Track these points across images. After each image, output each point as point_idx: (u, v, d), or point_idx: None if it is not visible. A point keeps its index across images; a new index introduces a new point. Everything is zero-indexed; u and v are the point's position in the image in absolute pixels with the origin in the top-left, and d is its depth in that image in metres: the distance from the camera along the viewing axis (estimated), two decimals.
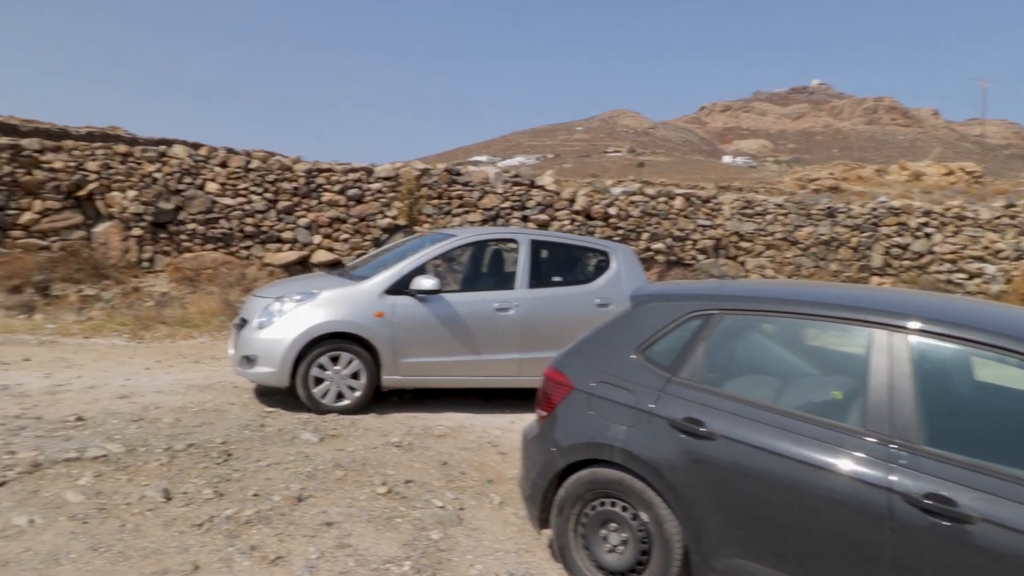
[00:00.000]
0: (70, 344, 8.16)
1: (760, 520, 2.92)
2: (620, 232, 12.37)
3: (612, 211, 12.44)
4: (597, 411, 3.44)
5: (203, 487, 4.09)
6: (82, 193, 10.06)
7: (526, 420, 6.11)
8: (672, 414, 3.20)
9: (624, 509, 3.29)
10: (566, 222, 12.09)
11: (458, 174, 11.72)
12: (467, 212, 11.54)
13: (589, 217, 12.30)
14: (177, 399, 5.98)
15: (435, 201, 11.43)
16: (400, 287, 6.01)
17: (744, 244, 13.40)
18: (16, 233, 9.81)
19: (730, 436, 3.03)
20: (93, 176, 10.12)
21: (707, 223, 13.16)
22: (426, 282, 5.98)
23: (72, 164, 10.06)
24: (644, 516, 3.21)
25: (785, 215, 13.66)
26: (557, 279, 6.74)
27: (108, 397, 5.93)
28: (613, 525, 3.34)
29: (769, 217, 13.59)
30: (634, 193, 12.92)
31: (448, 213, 11.46)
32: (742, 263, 13.31)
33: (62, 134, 19.59)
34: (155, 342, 8.58)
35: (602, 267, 6.87)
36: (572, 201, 12.24)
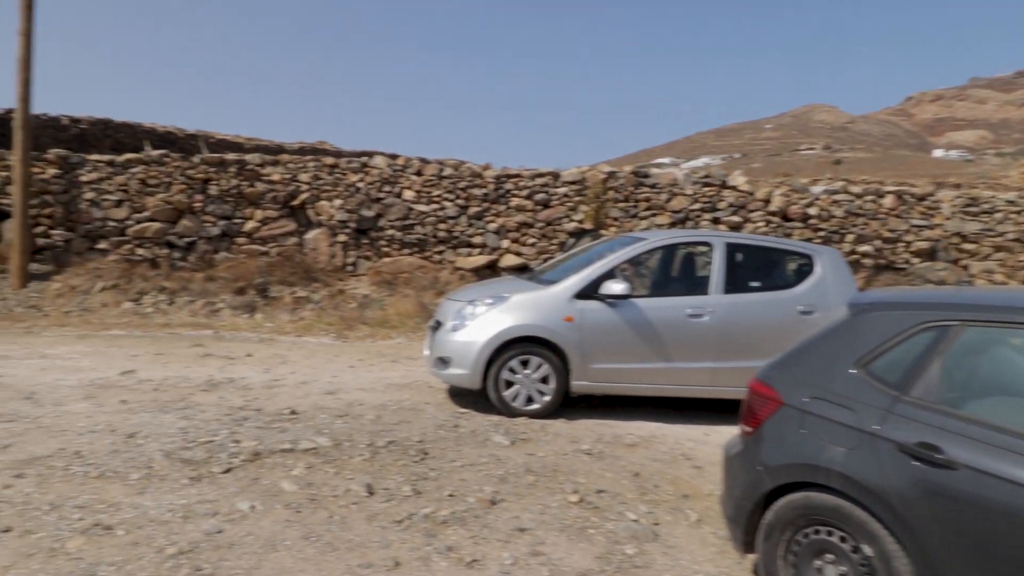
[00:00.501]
0: (285, 342, 8.88)
1: (1009, 563, 2.51)
2: (821, 234, 11.54)
3: (812, 211, 11.63)
4: (810, 429, 3.14)
5: (402, 484, 4.22)
6: (296, 203, 10.95)
7: (722, 433, 5.84)
8: (902, 437, 2.84)
9: (843, 540, 2.97)
10: (760, 224, 11.46)
11: (645, 176, 11.48)
12: (654, 215, 11.27)
13: (786, 218, 11.58)
14: (378, 397, 6.29)
15: (621, 204, 11.27)
16: (589, 291, 5.92)
17: (967, 246, 12.02)
18: (240, 240, 10.87)
19: (975, 466, 2.62)
20: (305, 187, 10.99)
21: (923, 223, 11.95)
22: (616, 286, 5.85)
23: (287, 176, 10.98)
24: (867, 550, 2.87)
25: (1018, 213, 12.10)
26: (755, 284, 6.35)
27: (317, 393, 6.34)
28: (830, 556, 3.02)
29: (998, 216, 12.10)
30: (837, 192, 12.00)
31: (635, 216, 11.26)
32: (965, 267, 11.94)
33: (278, 150, 21.54)
34: (358, 341, 9.13)
35: (804, 271, 6.39)
36: (767, 202, 11.60)
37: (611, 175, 11.35)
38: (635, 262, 6.69)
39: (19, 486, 3.94)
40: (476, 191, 11.08)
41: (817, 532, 3.07)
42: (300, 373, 7.15)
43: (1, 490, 3.88)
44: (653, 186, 11.37)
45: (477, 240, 11.08)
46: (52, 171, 10.65)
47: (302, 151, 21.74)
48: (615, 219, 11.21)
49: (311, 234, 11.02)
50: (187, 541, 3.37)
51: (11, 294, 9.88)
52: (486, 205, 11.12)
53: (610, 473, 4.67)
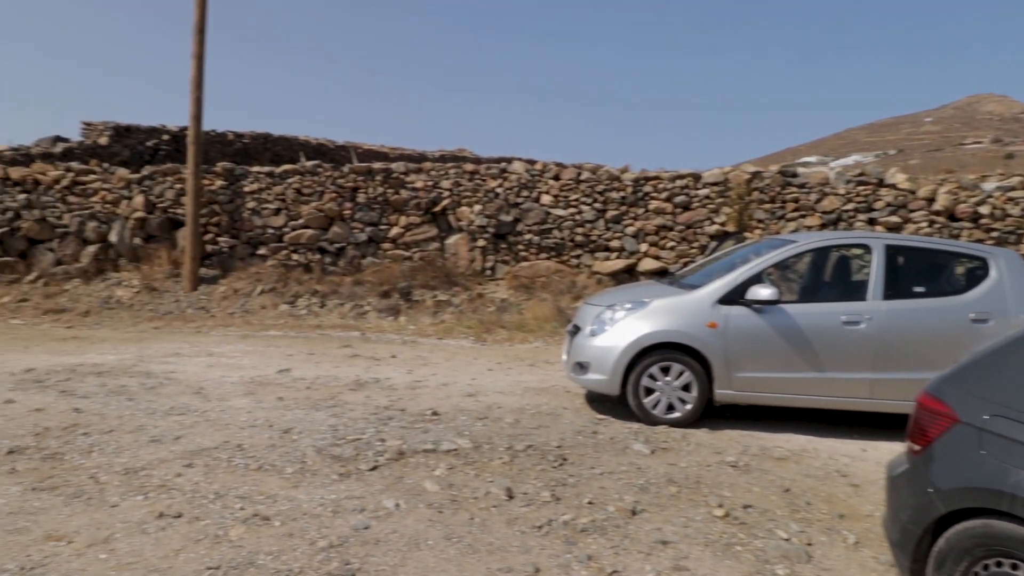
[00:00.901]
0: (426, 344, 9.14)
1: None
2: (994, 235, 10.54)
3: (983, 210, 10.64)
4: (991, 451, 2.83)
5: (541, 489, 4.20)
6: (437, 209, 11.27)
7: (881, 449, 5.43)
8: None
9: None
10: (923, 224, 10.62)
11: (793, 175, 10.93)
12: (803, 216, 10.71)
13: (953, 218, 10.67)
14: (516, 400, 6.32)
15: (767, 206, 10.78)
16: (734, 296, 5.68)
17: None
18: (386, 245, 11.32)
19: None
20: (446, 193, 11.29)
21: None
22: (763, 291, 5.58)
23: (430, 183, 11.32)
24: None
25: None
26: (919, 289, 5.87)
27: (458, 395, 6.46)
28: None
29: None
30: (1013, 188, 10.92)
31: (782, 218, 10.74)
32: None
33: (421, 158, 22.26)
34: (496, 345, 9.25)
35: (977, 276, 5.83)
36: (931, 200, 10.72)
37: (756, 175, 10.89)
38: (784, 266, 6.37)
39: (188, 475, 4.25)
40: (614, 194, 10.96)
41: (999, 565, 2.76)
42: (441, 375, 7.32)
43: (173, 478, 4.19)
44: (802, 186, 10.80)
45: (615, 244, 10.96)
46: (219, 183, 11.54)
47: (443, 159, 22.38)
48: (760, 221, 10.74)
49: (452, 239, 11.29)
50: (337, 535, 3.50)
51: (183, 296, 10.77)
52: (624, 208, 10.97)
53: (758, 487, 4.45)
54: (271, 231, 11.44)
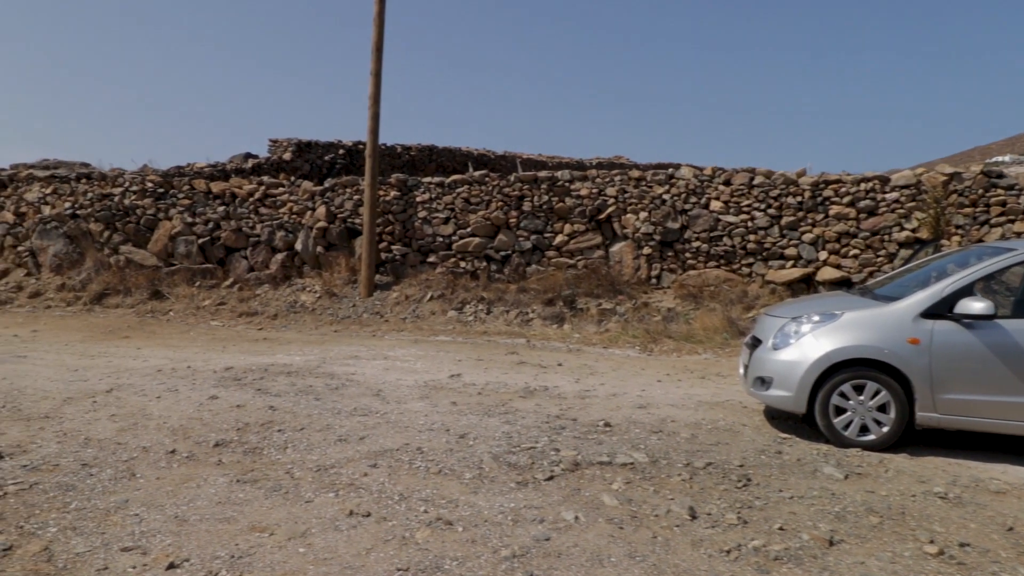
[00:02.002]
0: (592, 352, 9.05)
1: None
2: None
3: None
4: None
5: (726, 510, 3.98)
6: (602, 216, 11.17)
7: None
8: None
9: None
10: None
11: (999, 176, 9.85)
12: (1011, 221, 9.62)
13: None
14: (689, 414, 6.08)
15: (967, 210, 9.79)
16: (941, 310, 5.14)
17: None
18: (550, 253, 11.36)
19: None
20: (611, 200, 11.16)
21: None
22: (976, 305, 5.01)
23: (594, 191, 11.24)
24: None
25: None
26: None
27: (628, 406, 6.32)
28: None
29: None
30: None
31: (985, 223, 9.71)
32: None
33: (579, 165, 22.28)
34: (663, 355, 9.00)
35: None
36: None
37: (954, 176, 9.92)
38: (997, 277, 5.70)
39: (374, 475, 4.39)
40: (790, 199, 10.37)
41: None
42: (609, 385, 7.20)
43: (360, 477, 4.35)
44: (1010, 188, 9.71)
45: (790, 252, 10.35)
46: (393, 193, 12.07)
47: (600, 166, 22.30)
48: (959, 227, 9.77)
49: (616, 247, 11.15)
50: (518, 545, 3.47)
51: (360, 302, 11.34)
52: (801, 214, 10.35)
53: (974, 523, 3.98)
54: (440, 239, 11.82)
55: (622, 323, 9.94)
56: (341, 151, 18.66)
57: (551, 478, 4.42)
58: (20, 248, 13.75)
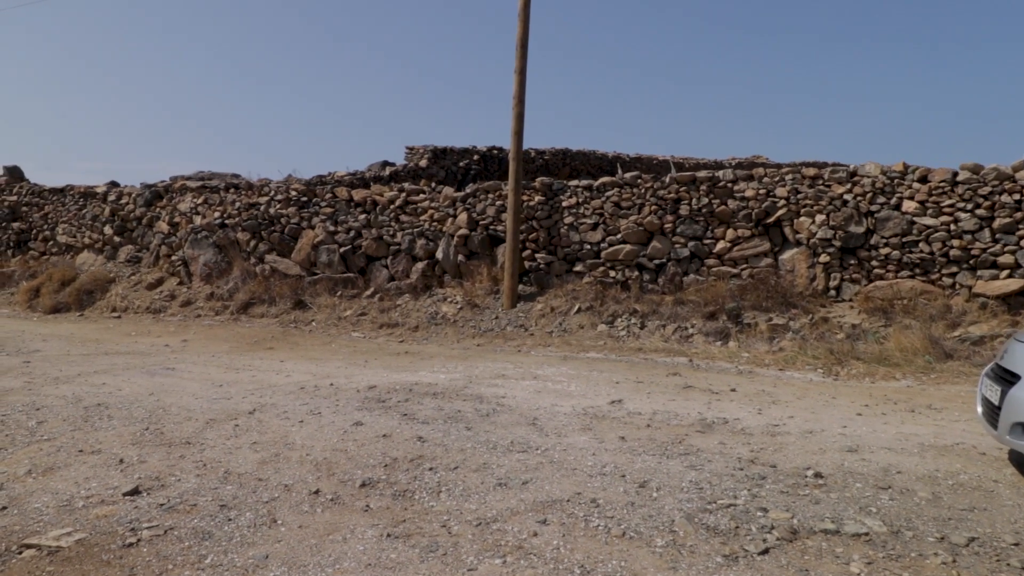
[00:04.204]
0: (766, 376, 7.96)
1: None
2: None
3: None
4: None
5: None
6: (770, 220, 10.00)
7: None
8: None
9: None
10: None
11: None
12: None
13: None
14: (917, 463, 4.95)
15: None
16: None
17: None
18: (710, 261, 10.30)
19: None
20: (782, 202, 9.97)
21: None
22: None
23: (762, 192, 10.09)
24: None
25: None
26: None
27: (834, 448, 5.25)
28: None
29: None
30: None
31: None
32: None
33: (716, 165, 20.89)
34: (852, 380, 7.78)
35: None
36: None
37: None
38: None
39: (545, 535, 3.64)
40: (1005, 198, 8.80)
41: None
42: (800, 418, 6.13)
43: (529, 538, 3.61)
44: None
45: (1005, 259, 8.78)
46: (537, 198, 11.39)
47: (739, 166, 20.80)
48: None
49: (787, 254, 9.94)
50: None
51: (503, 313, 10.72)
52: (1019, 215, 8.76)
53: None
54: (588, 247, 11.02)
55: (798, 341, 8.75)
56: (475, 156, 18.33)
57: (766, 551, 3.50)
58: (173, 257, 14.15)
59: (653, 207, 10.66)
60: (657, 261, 10.61)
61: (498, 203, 11.70)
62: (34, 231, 16.72)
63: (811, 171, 9.90)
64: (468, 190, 12.10)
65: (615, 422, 5.89)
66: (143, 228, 15.18)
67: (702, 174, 10.51)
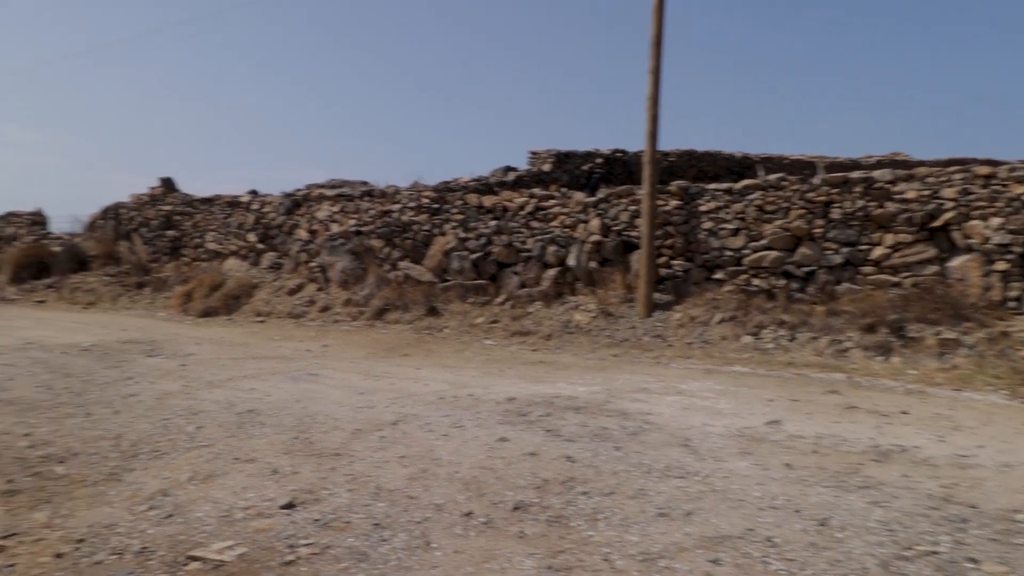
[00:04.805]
0: (940, 397, 7.21)
1: None
2: None
3: None
4: None
5: None
6: (936, 224, 9.13)
7: None
8: None
9: None
10: None
11: None
12: None
13: None
14: None
15: None
16: None
17: None
18: (867, 269, 9.53)
19: None
20: (949, 204, 9.08)
21: None
22: None
23: (925, 193, 9.24)
24: None
25: None
26: None
27: None
28: None
29: None
30: None
31: None
32: None
33: (853, 165, 19.56)
34: None
35: None
36: None
37: None
38: None
39: None
40: None
41: None
42: (991, 448, 5.45)
43: None
44: None
45: None
46: (673, 203, 10.96)
47: (881, 164, 19.37)
48: None
49: (956, 261, 9.04)
50: None
51: (638, 322, 10.35)
52: None
53: None
54: (728, 253, 10.47)
55: (975, 358, 7.90)
56: (599, 160, 18.00)
57: None
58: (312, 264, 14.64)
59: (800, 210, 9.98)
60: (806, 268, 9.93)
61: (631, 208, 11.33)
62: (185, 238, 17.79)
63: (984, 170, 8.95)
64: (600, 195, 11.81)
65: (776, 446, 5.44)
66: (284, 235, 15.82)
67: (856, 174, 9.74)
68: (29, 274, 18.37)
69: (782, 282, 10.02)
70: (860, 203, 9.59)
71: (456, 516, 4.02)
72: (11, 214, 22.06)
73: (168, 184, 19.23)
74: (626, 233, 11.36)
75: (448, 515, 4.04)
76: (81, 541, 3.74)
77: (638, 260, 10.89)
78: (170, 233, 18.03)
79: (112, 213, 19.41)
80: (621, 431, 5.76)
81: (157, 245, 18.17)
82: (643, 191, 10.88)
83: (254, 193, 17.25)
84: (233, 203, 17.09)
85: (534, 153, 17.84)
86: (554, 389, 7.40)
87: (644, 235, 10.74)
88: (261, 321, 13.49)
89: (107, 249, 18.48)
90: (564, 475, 4.67)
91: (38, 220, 21.50)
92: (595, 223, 11.57)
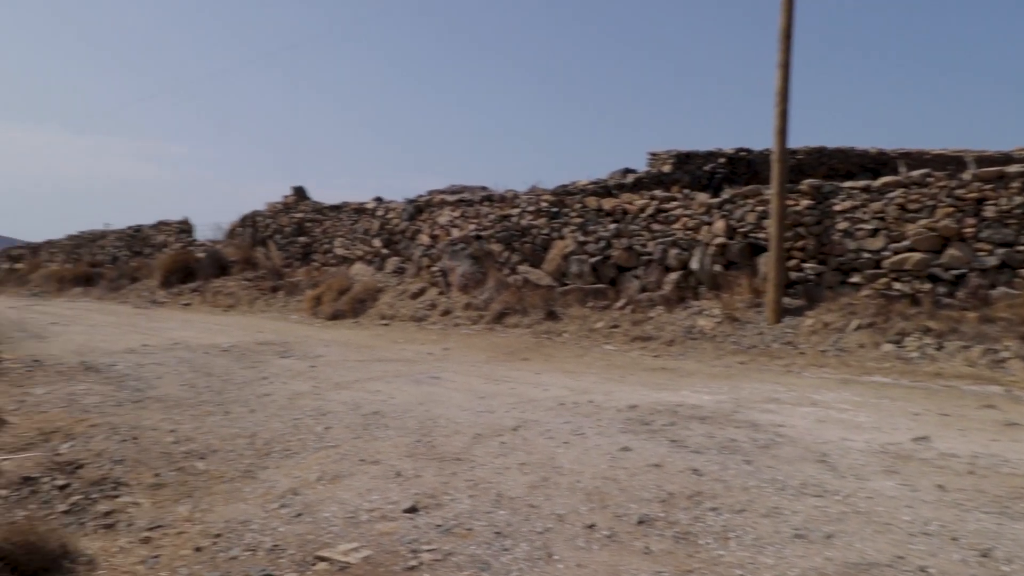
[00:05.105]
0: None
1: None
2: None
3: None
4: None
5: None
6: None
7: None
8: None
9: None
10: None
11: None
12: None
13: None
14: None
15: None
16: None
17: None
18: None
19: None
20: None
21: None
22: None
23: None
24: None
25: None
26: None
27: None
28: None
29: None
30: None
31: None
32: None
33: (1005, 159, 17.91)
34: None
35: None
36: None
37: None
38: None
39: None
40: None
41: None
42: None
43: None
44: None
45: None
46: (804, 202, 10.40)
47: None
48: None
49: None
50: None
51: (766, 329, 9.88)
52: None
53: None
54: (866, 255, 9.81)
55: None
56: (721, 159, 17.45)
57: None
58: (433, 268, 14.94)
59: (948, 208, 9.22)
60: (955, 271, 9.15)
61: (758, 209, 10.85)
62: (316, 244, 18.60)
63: None
64: (725, 195, 11.38)
65: (925, 465, 5.00)
66: (407, 240, 16.24)
67: (1013, 168, 8.90)
68: (177, 278, 19.74)
69: (927, 286, 9.28)
70: (1018, 199, 8.74)
71: (578, 528, 3.91)
72: (161, 223, 23.82)
73: (300, 193, 20.19)
74: (753, 235, 10.88)
75: (570, 526, 3.94)
76: (218, 536, 3.89)
77: (766, 263, 10.41)
78: (302, 239, 18.90)
79: (249, 221, 20.58)
80: (751, 443, 5.47)
81: (290, 251, 19.08)
82: (771, 190, 10.40)
83: (379, 200, 17.81)
84: (359, 210, 17.72)
85: (653, 154, 17.52)
86: (678, 397, 7.16)
87: (773, 237, 10.25)
88: (385, 324, 13.87)
89: (245, 255, 19.59)
90: (691, 489, 4.46)
91: (185, 228, 23.11)
92: (719, 225, 11.16)
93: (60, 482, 4.74)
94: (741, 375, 8.40)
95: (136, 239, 24.28)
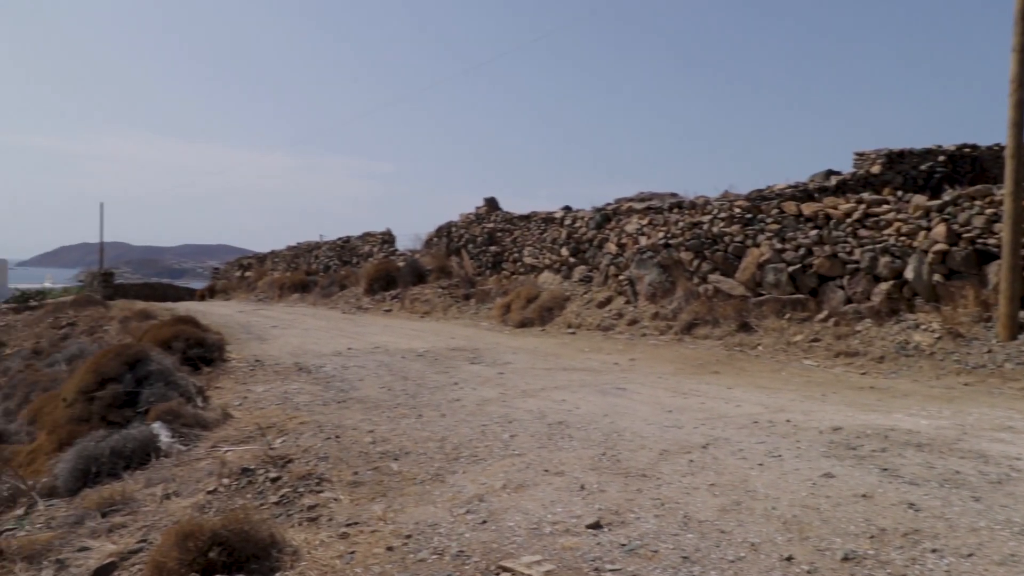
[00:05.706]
0: None
1: None
2: None
3: None
4: None
5: None
6: None
7: None
8: None
9: None
10: None
11: None
12: None
13: None
14: None
15: None
16: None
17: None
18: None
19: None
20: None
21: None
22: None
23: None
24: None
25: None
26: None
27: None
28: None
29: None
30: None
31: None
32: None
33: None
34: None
35: None
36: None
37: None
38: None
39: None
40: None
41: None
42: None
43: None
44: None
45: None
46: None
47: None
48: None
49: None
50: None
51: (997, 346, 8.74)
52: None
53: None
54: None
55: None
56: (940, 158, 15.74)
57: None
58: (620, 277, 14.77)
59: None
60: None
61: (988, 211, 9.63)
62: (506, 253, 19.08)
63: None
64: (946, 197, 10.23)
65: None
66: (594, 249, 16.20)
67: None
68: (379, 286, 21.08)
69: None
70: None
71: (775, 559, 3.63)
72: (367, 234, 25.59)
73: (491, 203, 20.84)
74: (980, 241, 9.68)
75: (765, 557, 3.66)
76: (408, 537, 4.03)
77: (997, 272, 9.21)
78: (492, 248, 19.48)
79: (445, 231, 21.56)
80: (979, 477, 4.82)
81: (481, 260, 19.74)
82: (1004, 190, 9.20)
83: (567, 209, 17.94)
84: (547, 219, 17.94)
85: (860, 154, 16.26)
86: (889, 420, 6.49)
87: (1006, 243, 9.05)
88: (571, 333, 13.91)
89: (440, 264, 20.54)
90: (906, 525, 3.99)
91: (387, 239, 24.66)
92: (940, 230, 10.05)
93: (273, 475, 5.15)
94: (966, 398, 7.48)
95: (345, 249, 26.26)
